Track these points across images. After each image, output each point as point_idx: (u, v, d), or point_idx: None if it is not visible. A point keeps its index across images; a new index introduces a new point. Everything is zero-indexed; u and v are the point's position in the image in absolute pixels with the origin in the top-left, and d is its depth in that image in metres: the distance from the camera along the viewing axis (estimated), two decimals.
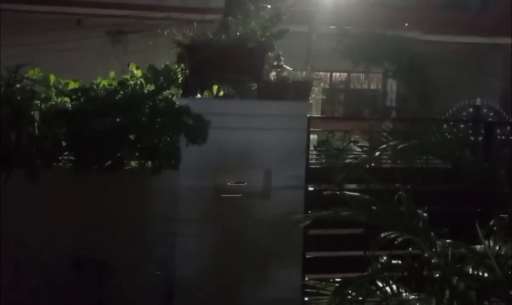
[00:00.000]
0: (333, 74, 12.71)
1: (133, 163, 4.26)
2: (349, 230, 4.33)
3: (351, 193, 2.86)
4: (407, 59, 9.88)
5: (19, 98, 3.35)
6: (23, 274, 4.03)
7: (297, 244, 4.40)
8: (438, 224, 2.85)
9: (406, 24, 10.19)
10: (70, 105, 4.01)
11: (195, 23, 4.34)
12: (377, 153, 2.92)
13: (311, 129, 4.50)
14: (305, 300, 4.27)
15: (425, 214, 2.80)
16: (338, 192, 3.05)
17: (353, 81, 13.12)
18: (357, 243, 3.54)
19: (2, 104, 3.26)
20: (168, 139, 4.12)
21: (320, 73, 9.78)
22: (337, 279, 2.78)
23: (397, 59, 9.96)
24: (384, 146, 2.86)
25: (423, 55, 10.00)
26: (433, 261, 2.52)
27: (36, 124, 3.42)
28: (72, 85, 4.18)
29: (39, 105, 3.86)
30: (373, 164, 5.22)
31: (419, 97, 10.17)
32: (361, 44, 9.35)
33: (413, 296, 2.47)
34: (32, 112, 3.42)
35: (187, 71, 4.27)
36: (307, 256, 4.53)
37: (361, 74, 12.75)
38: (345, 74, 12.84)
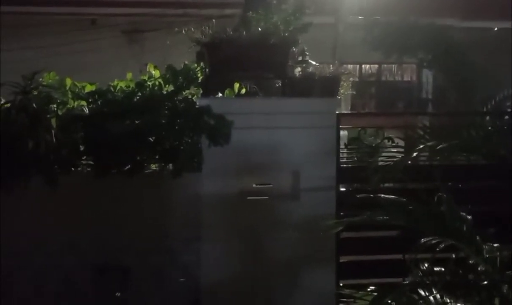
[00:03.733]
0: (363, 66, 12.60)
1: (153, 167, 4.33)
2: (385, 232, 4.29)
3: (386, 196, 2.83)
4: (444, 47, 9.72)
5: (35, 105, 3.43)
6: (45, 281, 4.13)
7: (330, 248, 4.38)
8: (483, 225, 2.79)
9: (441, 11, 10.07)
10: (87, 109, 4.09)
11: (213, 20, 4.38)
12: (414, 154, 2.89)
13: (340, 126, 4.49)
14: None
15: (468, 216, 2.74)
16: (372, 194, 3.03)
17: (385, 73, 12.97)
18: (394, 245, 3.51)
19: (18, 112, 3.37)
20: (189, 140, 4.17)
21: (349, 65, 9.72)
22: (373, 287, 2.75)
23: (433, 48, 9.81)
24: (421, 146, 2.83)
25: (460, 43, 9.82)
26: (479, 268, 2.45)
27: (53, 131, 3.51)
28: (89, 88, 4.27)
29: (55, 110, 3.96)
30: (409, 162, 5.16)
31: (458, 88, 9.99)
32: (393, 34, 9.24)
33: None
34: (49, 120, 3.51)
35: (207, 70, 4.32)
36: (341, 261, 4.50)
37: (393, 65, 12.60)
38: (376, 66, 12.71)
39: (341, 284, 4.11)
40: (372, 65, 12.70)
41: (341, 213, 4.12)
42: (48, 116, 3.57)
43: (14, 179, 3.59)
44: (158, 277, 4.21)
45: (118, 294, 4.12)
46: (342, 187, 4.53)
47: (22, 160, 3.54)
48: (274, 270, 4.30)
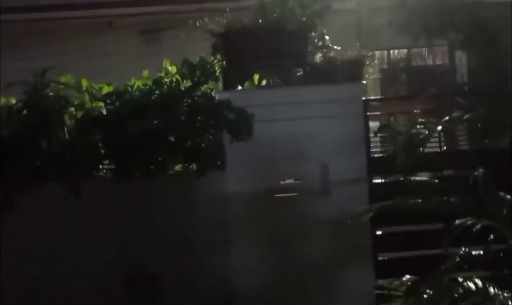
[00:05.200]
0: (391, 52, 12.38)
1: (176, 167, 4.33)
2: (424, 226, 4.18)
3: (419, 179, 2.75)
4: (476, 26, 9.46)
5: (46, 103, 3.47)
6: (70, 291, 4.16)
7: (365, 245, 4.30)
8: None
9: None
10: (105, 110, 4.12)
11: (225, 8, 4.36)
12: (439, 127, 2.81)
13: (368, 113, 4.41)
14: None
15: (508, 198, 2.65)
16: (404, 181, 2.95)
17: (415, 58, 12.72)
18: (435, 239, 3.41)
19: (30, 111, 3.40)
20: (211, 137, 4.15)
21: (376, 52, 9.57)
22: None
23: (465, 28, 9.55)
24: (446, 118, 2.75)
25: (494, 20, 9.54)
26: None
27: (66, 128, 3.54)
28: (106, 89, 4.31)
29: (73, 112, 3.99)
30: (446, 148, 5.04)
31: (495, 68, 9.72)
32: (420, 14, 9.04)
33: (501, 292, 2.33)
34: (62, 117, 3.54)
35: (224, 62, 4.30)
36: (379, 259, 4.40)
37: (424, 49, 12.34)
38: (405, 50, 12.48)
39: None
40: (401, 51, 12.47)
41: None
42: (59, 113, 3.59)
43: (31, 184, 3.62)
44: (187, 282, 4.20)
45: (148, 302, 4.12)
46: (375, 179, 4.43)
47: (38, 163, 3.56)
48: (307, 270, 4.24)
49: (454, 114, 2.85)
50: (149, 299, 4.15)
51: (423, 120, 4.01)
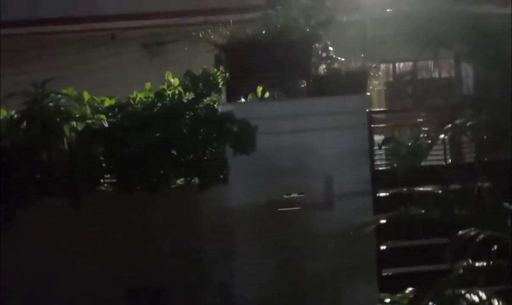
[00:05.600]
0: (396, 65, 12.39)
1: (179, 181, 4.33)
2: (430, 240, 4.15)
3: (422, 189, 2.75)
4: (483, 38, 9.46)
5: (47, 114, 3.48)
6: (73, 304, 4.14)
7: (370, 259, 4.28)
8: None
9: None
10: (106, 123, 4.13)
11: (231, 21, 4.37)
12: (441, 136, 2.80)
13: (373, 125, 4.40)
14: None
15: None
16: (407, 192, 2.94)
17: (421, 70, 12.72)
18: (440, 254, 3.38)
19: (30, 121, 3.41)
20: (213, 150, 4.15)
21: (381, 65, 9.57)
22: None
23: (471, 39, 9.56)
24: (449, 125, 2.75)
25: (501, 32, 9.53)
26: None
27: (66, 140, 3.55)
28: (108, 102, 4.32)
29: (75, 125, 4.01)
30: (451, 161, 5.02)
31: (502, 81, 9.70)
32: (425, 26, 9.06)
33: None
34: (61, 127, 3.55)
35: (227, 74, 4.31)
36: (384, 274, 4.37)
37: (429, 61, 12.34)
38: (410, 63, 12.48)
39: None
40: (406, 63, 12.48)
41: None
42: (59, 124, 3.60)
43: (32, 197, 3.62)
44: (190, 296, 4.19)
45: None
46: (380, 192, 4.41)
47: (38, 176, 3.57)
48: (311, 284, 4.22)
49: (457, 122, 2.85)
50: None
51: (426, 129, 4.01)
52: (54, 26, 8.77)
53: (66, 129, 3.66)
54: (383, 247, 4.33)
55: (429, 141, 2.97)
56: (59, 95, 3.83)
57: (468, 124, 2.78)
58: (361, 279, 4.24)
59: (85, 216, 3.96)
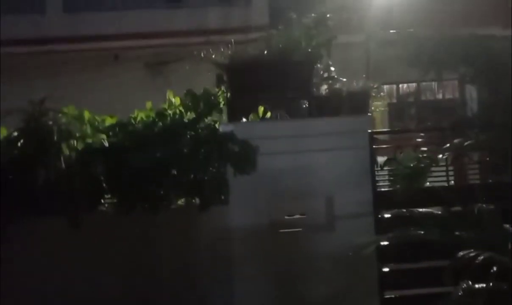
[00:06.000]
0: (400, 86, 12.43)
1: (179, 201, 4.32)
2: (432, 263, 4.13)
3: (422, 210, 2.75)
4: (487, 60, 9.49)
5: (43, 132, 3.49)
6: None
7: (372, 281, 4.25)
8: None
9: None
10: (106, 142, 4.14)
11: (233, 41, 4.41)
12: (440, 156, 2.81)
13: (376, 146, 4.40)
14: None
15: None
16: (408, 213, 2.94)
17: (425, 92, 12.75)
18: (442, 275, 3.37)
19: (27, 139, 3.42)
20: (214, 170, 4.16)
21: (385, 86, 9.60)
22: None
23: (475, 62, 9.60)
24: (448, 146, 2.76)
25: (505, 54, 9.56)
26: None
27: (63, 158, 3.56)
28: (109, 121, 4.33)
29: (75, 144, 4.02)
30: (454, 183, 5.01)
31: (505, 103, 9.71)
32: (429, 48, 9.10)
33: None
34: (59, 145, 3.56)
35: (228, 94, 4.33)
36: (386, 296, 4.34)
37: (433, 83, 12.38)
38: (414, 84, 12.52)
39: None
40: (410, 84, 12.53)
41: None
42: (57, 141, 3.61)
43: (28, 216, 3.62)
44: None
45: None
46: (382, 213, 4.40)
47: (35, 195, 3.57)
48: None
49: (455, 142, 2.86)
50: None
51: (426, 149, 4.03)
52: (58, 45, 8.86)
53: (64, 147, 3.67)
54: (385, 269, 4.30)
55: (429, 160, 2.98)
56: (59, 114, 3.84)
57: (466, 144, 2.79)
58: (363, 301, 4.21)
59: (84, 236, 3.96)
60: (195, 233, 4.23)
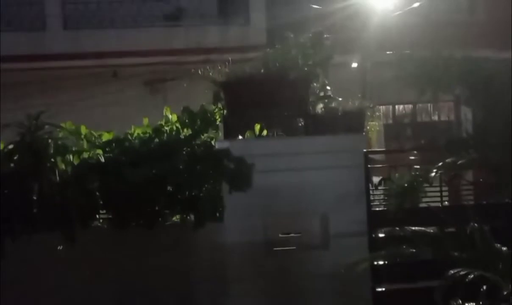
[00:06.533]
0: (396, 107, 12.49)
1: (174, 218, 4.30)
2: (426, 282, 4.11)
3: (414, 228, 2.74)
4: (482, 82, 9.54)
5: (39, 146, 3.48)
6: None
7: (365, 301, 4.23)
8: None
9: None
10: (103, 158, 4.13)
11: (230, 59, 4.43)
12: (433, 173, 2.81)
13: (371, 166, 4.40)
14: None
15: (504, 250, 2.63)
16: (401, 232, 2.94)
17: (420, 113, 12.82)
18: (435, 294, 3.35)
19: (22, 152, 3.41)
20: (210, 187, 4.14)
21: (381, 107, 9.64)
22: None
23: (470, 83, 9.65)
24: (439, 164, 2.76)
25: (500, 76, 9.61)
26: None
27: (58, 172, 3.54)
28: (106, 137, 4.33)
29: (71, 159, 4.01)
30: (448, 203, 5.01)
31: (500, 125, 9.74)
32: (425, 69, 9.13)
33: None
34: (54, 159, 3.55)
35: (225, 111, 4.34)
36: None
37: (429, 104, 12.45)
38: (410, 105, 12.59)
39: None
40: (406, 105, 12.59)
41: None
42: (52, 155, 3.59)
43: (23, 230, 3.60)
44: None
45: None
46: (375, 232, 4.40)
47: (30, 210, 3.55)
48: None
49: (448, 161, 2.87)
50: None
51: (420, 168, 4.03)
52: (57, 61, 8.89)
53: (59, 161, 3.65)
54: (378, 289, 4.28)
55: (421, 178, 2.99)
56: (57, 128, 3.84)
57: (459, 162, 2.80)
58: None
59: (78, 251, 3.93)
60: (190, 250, 4.21)
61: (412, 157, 4.62)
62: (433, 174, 2.94)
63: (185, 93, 6.71)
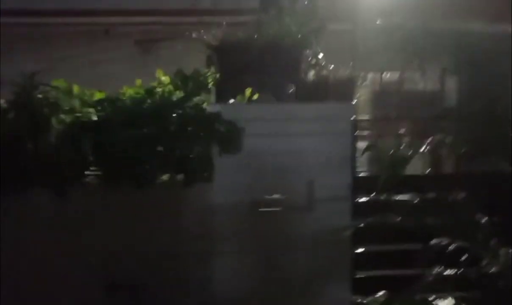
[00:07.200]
0: (384, 74, 12.49)
1: (164, 177, 4.34)
2: (405, 246, 4.24)
3: (398, 198, 2.81)
4: (469, 53, 9.58)
5: (35, 105, 3.47)
6: (51, 298, 4.14)
7: (345, 261, 4.34)
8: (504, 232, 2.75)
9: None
10: (95, 117, 4.13)
11: (224, 23, 4.40)
12: (422, 148, 2.87)
13: (357, 132, 4.45)
14: None
15: (484, 220, 2.72)
16: (385, 200, 3.00)
17: (407, 82, 12.84)
18: (413, 260, 3.47)
19: (17, 112, 3.40)
20: (200, 149, 4.17)
21: (369, 73, 9.64)
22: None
23: (457, 54, 9.70)
24: (429, 139, 2.81)
25: (488, 48, 9.65)
26: (492, 271, 2.42)
27: (52, 132, 3.54)
28: (98, 96, 4.31)
29: (63, 117, 4.01)
30: (431, 171, 5.10)
31: (484, 96, 9.82)
32: (415, 39, 9.15)
33: None
34: (49, 120, 3.54)
35: (217, 75, 4.34)
36: (357, 276, 4.45)
37: (417, 73, 12.46)
38: (398, 73, 12.59)
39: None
40: (394, 74, 12.59)
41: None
42: (47, 116, 3.59)
43: (15, 188, 3.61)
44: (170, 292, 4.20)
45: None
46: (358, 197, 4.49)
47: (24, 167, 3.56)
48: (288, 284, 4.27)
49: (437, 137, 2.92)
50: None
51: (408, 140, 4.06)
52: (48, 18, 8.72)
53: (54, 121, 3.65)
54: (358, 250, 4.39)
55: (410, 152, 3.04)
56: (50, 87, 3.81)
57: (446, 140, 2.85)
58: (335, 280, 4.30)
59: (69, 208, 3.96)
60: (179, 208, 4.25)
61: (401, 130, 4.67)
62: (422, 150, 2.99)
63: (177, 55, 6.66)
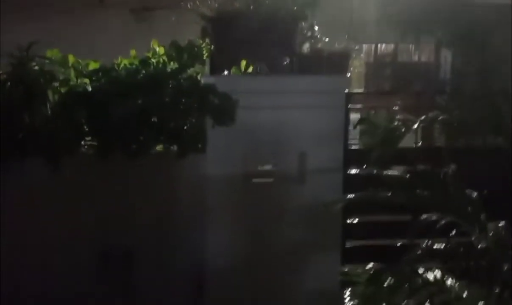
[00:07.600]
0: (378, 46, 12.40)
1: (158, 148, 4.34)
2: (395, 217, 4.28)
3: (390, 173, 2.83)
4: (464, 25, 9.51)
5: (31, 77, 3.44)
6: (46, 266, 4.17)
7: (335, 232, 4.39)
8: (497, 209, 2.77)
9: None
10: (90, 87, 4.10)
11: None
12: (415, 125, 2.87)
13: (350, 105, 4.44)
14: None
15: (474, 195, 2.73)
16: (377, 174, 3.02)
17: (402, 54, 12.76)
18: (403, 230, 3.50)
19: (13, 84, 3.37)
20: (194, 120, 4.16)
21: (364, 45, 9.57)
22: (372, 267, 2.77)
23: (452, 27, 9.62)
24: (423, 118, 2.81)
25: (483, 21, 9.56)
26: (480, 246, 2.46)
27: (49, 104, 3.52)
28: (92, 66, 4.27)
29: (58, 88, 3.97)
30: (422, 143, 5.12)
31: (479, 69, 9.78)
32: (409, 10, 9.06)
33: (458, 284, 2.43)
34: (45, 92, 3.51)
35: (212, 47, 4.29)
36: (347, 246, 4.50)
37: (411, 45, 12.37)
38: (392, 45, 12.50)
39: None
40: (388, 45, 12.51)
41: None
42: (43, 88, 3.56)
43: (11, 158, 3.61)
44: (162, 261, 4.24)
45: (122, 278, 4.15)
46: (350, 170, 4.50)
47: (19, 137, 3.55)
48: (278, 253, 4.31)
49: (430, 114, 2.92)
50: (123, 276, 4.17)
51: (401, 116, 4.05)
52: None
53: (49, 92, 3.62)
54: (348, 221, 4.43)
55: (403, 128, 3.04)
56: (45, 59, 3.77)
57: (440, 118, 2.85)
58: (326, 250, 4.35)
59: (64, 177, 3.96)
60: (172, 179, 4.26)
61: (396, 106, 4.65)
62: (415, 126, 2.99)
63: (172, 25, 6.56)
